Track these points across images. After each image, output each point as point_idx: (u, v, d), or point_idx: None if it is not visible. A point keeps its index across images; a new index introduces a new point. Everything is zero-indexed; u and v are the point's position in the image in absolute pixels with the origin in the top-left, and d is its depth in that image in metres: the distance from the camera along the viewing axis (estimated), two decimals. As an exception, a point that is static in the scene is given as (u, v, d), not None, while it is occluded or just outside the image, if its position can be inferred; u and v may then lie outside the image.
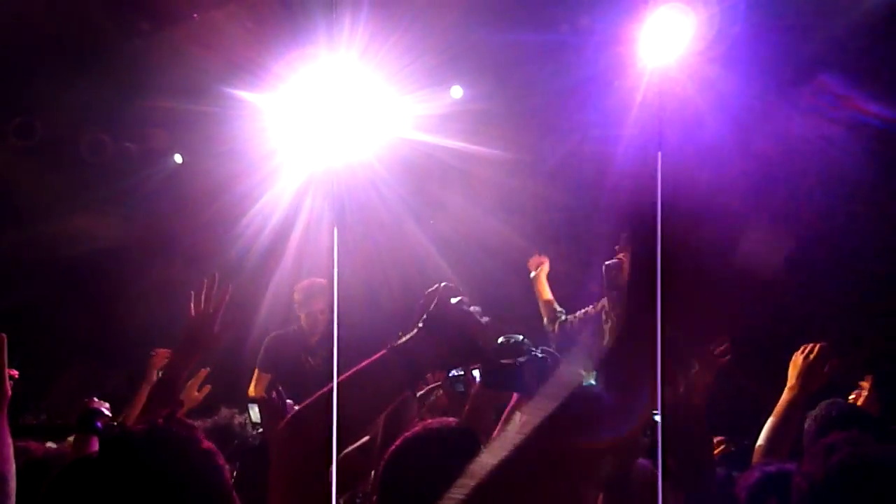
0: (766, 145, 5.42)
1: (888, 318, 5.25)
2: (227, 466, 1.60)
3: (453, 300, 1.93)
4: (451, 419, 2.03)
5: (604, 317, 5.10)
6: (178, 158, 7.54)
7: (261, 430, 2.91)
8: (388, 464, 1.87)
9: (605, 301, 5.15)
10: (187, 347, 2.74)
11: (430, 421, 1.94)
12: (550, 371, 2.12)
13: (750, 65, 5.23)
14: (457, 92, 6.60)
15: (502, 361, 2.06)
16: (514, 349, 2.12)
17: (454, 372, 2.23)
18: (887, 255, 5.16)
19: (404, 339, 1.89)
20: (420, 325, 1.92)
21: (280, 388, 2.81)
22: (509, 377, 2.06)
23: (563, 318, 5.26)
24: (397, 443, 1.88)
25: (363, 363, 1.87)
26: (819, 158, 5.28)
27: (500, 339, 2.14)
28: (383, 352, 1.88)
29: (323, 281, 5.75)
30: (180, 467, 1.53)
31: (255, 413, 2.95)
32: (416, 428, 1.92)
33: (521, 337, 2.16)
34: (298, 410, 1.85)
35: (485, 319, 1.94)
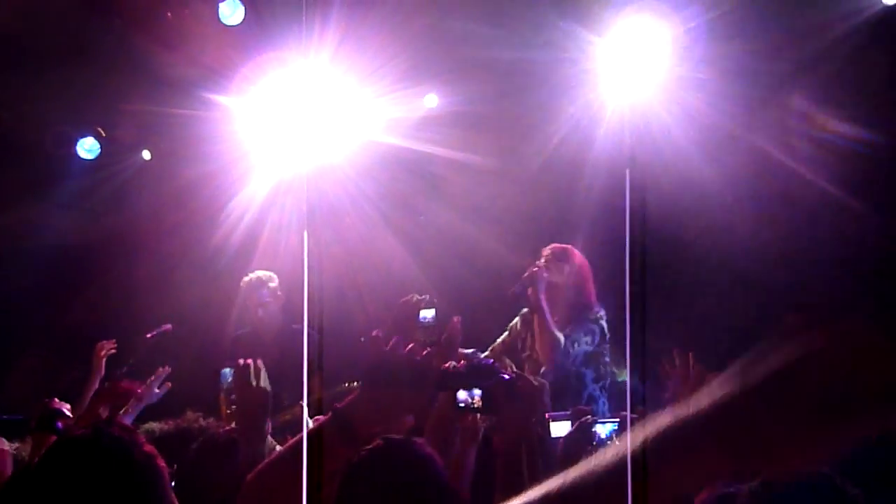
0: (734, 163, 5.49)
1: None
2: (167, 469, 1.64)
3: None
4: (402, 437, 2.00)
5: (520, 345, 4.94)
6: (146, 155, 7.49)
7: (233, 405, 2.90)
8: (348, 475, 1.86)
9: (517, 323, 4.99)
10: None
11: (391, 437, 1.93)
12: (519, 392, 2.16)
13: (719, 83, 5.31)
14: (431, 100, 6.61)
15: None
16: (484, 372, 2.16)
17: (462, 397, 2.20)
18: (849, 275, 5.24)
19: (347, 400, 1.93)
20: (360, 383, 1.97)
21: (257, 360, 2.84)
22: (485, 401, 2.11)
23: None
24: (360, 455, 1.86)
25: (315, 427, 1.91)
26: (785, 178, 5.36)
27: (468, 358, 2.18)
28: (328, 415, 1.92)
29: (264, 274, 5.67)
30: (122, 470, 1.58)
31: (226, 378, 2.94)
32: (378, 442, 1.91)
33: (490, 361, 2.21)
34: (261, 469, 1.90)
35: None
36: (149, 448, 1.64)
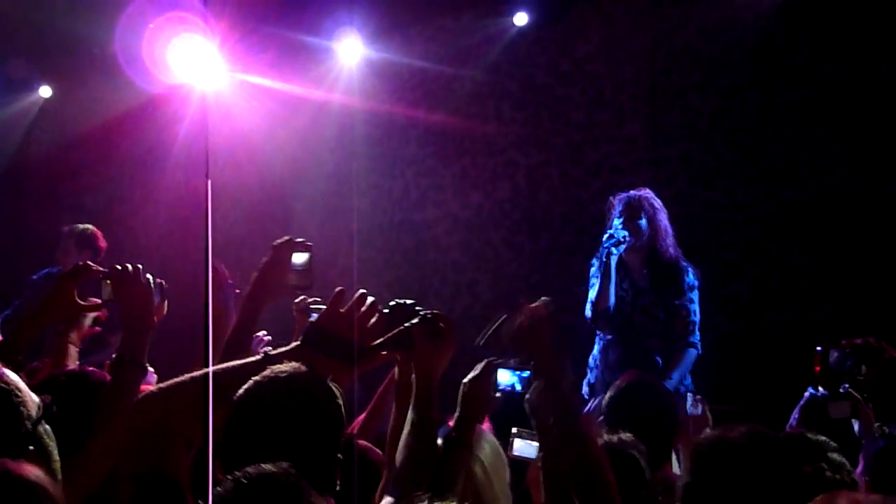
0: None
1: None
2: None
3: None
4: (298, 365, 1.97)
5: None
6: (44, 92, 7.20)
7: None
8: (240, 407, 1.75)
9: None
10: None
11: (281, 367, 1.81)
12: (441, 330, 2.16)
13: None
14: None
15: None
16: (405, 312, 2.17)
17: None
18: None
19: (280, 350, 1.92)
20: (300, 339, 1.96)
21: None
22: (403, 339, 2.10)
23: None
24: (247, 387, 1.76)
25: (239, 363, 1.90)
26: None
27: (392, 304, 2.18)
28: (258, 357, 1.90)
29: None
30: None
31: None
32: (268, 373, 1.79)
33: (410, 301, 2.21)
34: (166, 387, 1.85)
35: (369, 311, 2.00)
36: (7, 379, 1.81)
